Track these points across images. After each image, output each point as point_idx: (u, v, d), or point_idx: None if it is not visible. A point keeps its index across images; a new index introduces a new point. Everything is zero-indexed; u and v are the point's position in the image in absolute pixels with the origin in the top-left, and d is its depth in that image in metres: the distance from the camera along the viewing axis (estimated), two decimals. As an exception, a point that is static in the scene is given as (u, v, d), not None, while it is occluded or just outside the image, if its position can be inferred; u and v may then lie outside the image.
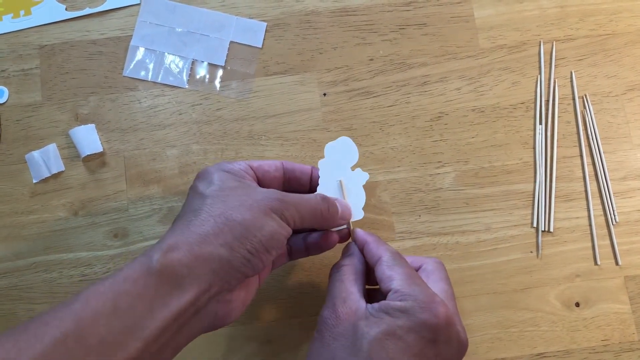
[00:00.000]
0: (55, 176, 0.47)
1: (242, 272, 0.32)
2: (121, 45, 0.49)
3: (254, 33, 0.49)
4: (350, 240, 0.39)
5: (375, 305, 0.33)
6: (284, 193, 0.35)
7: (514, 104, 0.48)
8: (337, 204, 0.37)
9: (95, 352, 0.27)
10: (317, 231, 0.40)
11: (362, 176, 0.40)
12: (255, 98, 0.48)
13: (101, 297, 0.28)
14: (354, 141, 0.40)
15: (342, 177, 0.40)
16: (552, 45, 0.49)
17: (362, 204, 0.40)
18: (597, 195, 0.47)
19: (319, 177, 0.39)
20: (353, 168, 0.40)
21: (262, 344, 0.45)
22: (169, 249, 0.30)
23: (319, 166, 0.40)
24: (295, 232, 0.39)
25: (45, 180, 0.47)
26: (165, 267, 0.30)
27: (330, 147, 0.40)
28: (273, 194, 0.34)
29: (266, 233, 0.32)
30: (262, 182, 0.38)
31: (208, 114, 0.48)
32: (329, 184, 0.39)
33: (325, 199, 0.37)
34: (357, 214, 0.39)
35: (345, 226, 0.39)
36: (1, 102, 0.48)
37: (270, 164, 0.39)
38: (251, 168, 0.37)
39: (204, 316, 0.31)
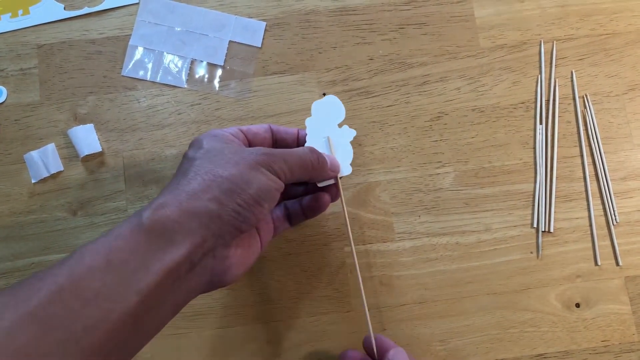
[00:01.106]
0: (54, 176, 0.47)
1: (234, 225, 0.32)
2: (120, 44, 0.49)
3: (253, 32, 0.49)
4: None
5: None
6: (271, 148, 0.35)
7: (514, 103, 0.48)
8: (326, 157, 0.38)
9: (93, 304, 0.27)
10: (311, 194, 0.41)
11: (349, 132, 0.41)
12: (254, 98, 0.48)
13: (94, 253, 0.29)
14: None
15: (330, 134, 0.40)
16: (553, 45, 0.49)
17: (350, 159, 0.40)
18: (598, 195, 0.47)
19: (305, 136, 0.40)
20: (340, 125, 0.41)
21: (262, 344, 0.45)
22: (159, 207, 0.30)
23: (306, 124, 0.40)
24: (291, 196, 0.41)
25: (44, 180, 0.47)
26: (155, 223, 0.30)
27: (317, 105, 0.41)
28: (260, 150, 0.34)
29: (255, 186, 0.32)
30: (252, 144, 0.39)
31: (207, 114, 0.48)
32: (317, 141, 0.40)
33: (313, 150, 0.37)
34: (345, 170, 0.40)
35: (333, 181, 0.40)
36: (0, 101, 0.48)
37: (259, 126, 0.40)
38: (241, 131, 0.38)
39: (200, 272, 0.31)
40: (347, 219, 0.40)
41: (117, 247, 0.29)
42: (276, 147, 0.40)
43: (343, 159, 0.40)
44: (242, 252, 0.34)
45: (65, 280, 0.27)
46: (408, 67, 0.49)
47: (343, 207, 0.40)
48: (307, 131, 0.40)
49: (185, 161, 0.34)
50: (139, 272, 0.29)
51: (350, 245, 0.40)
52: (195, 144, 0.35)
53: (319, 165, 0.37)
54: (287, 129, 0.41)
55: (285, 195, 0.42)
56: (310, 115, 0.41)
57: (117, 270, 0.28)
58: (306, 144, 0.40)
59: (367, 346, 0.39)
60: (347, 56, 0.49)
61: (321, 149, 0.40)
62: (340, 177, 0.40)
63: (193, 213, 0.31)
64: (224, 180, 0.32)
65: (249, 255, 0.35)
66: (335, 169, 0.39)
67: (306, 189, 0.42)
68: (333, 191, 0.41)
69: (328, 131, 0.40)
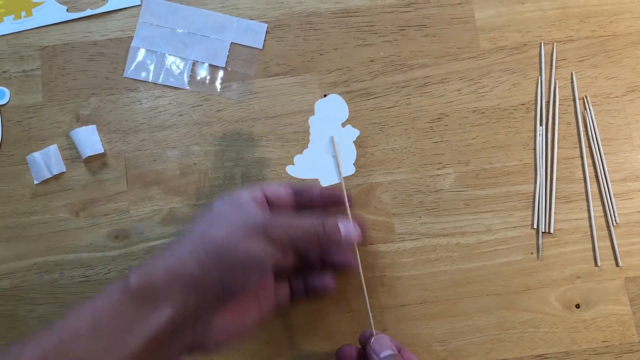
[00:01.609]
0: (56, 177, 0.47)
1: (216, 292, 0.31)
2: (122, 46, 0.49)
3: (254, 34, 0.49)
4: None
5: None
6: (276, 214, 0.34)
7: (514, 105, 0.48)
8: (340, 224, 0.35)
9: None
10: (321, 273, 0.40)
11: (353, 132, 0.41)
12: (255, 99, 0.48)
13: (81, 317, 0.29)
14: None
15: (333, 134, 0.40)
16: (553, 47, 0.49)
17: (354, 159, 0.40)
18: (598, 196, 0.47)
19: (330, 192, 0.40)
20: (343, 125, 0.41)
21: (261, 344, 0.45)
22: (147, 270, 0.31)
23: (310, 123, 0.41)
24: (301, 268, 0.40)
25: (47, 181, 0.47)
26: (141, 287, 0.30)
27: (320, 104, 0.41)
28: (262, 214, 0.33)
29: (243, 252, 0.31)
30: (274, 205, 0.37)
31: (209, 115, 0.48)
32: (320, 140, 0.40)
33: (321, 220, 0.34)
34: (348, 170, 0.40)
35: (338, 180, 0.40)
36: (2, 103, 0.48)
37: (280, 184, 0.39)
38: (263, 192, 0.37)
39: (184, 337, 0.31)
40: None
41: (103, 310, 0.29)
42: (299, 206, 0.39)
43: (346, 159, 0.40)
44: (233, 318, 0.33)
45: (49, 346, 0.28)
46: (409, 69, 0.49)
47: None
48: (311, 131, 0.40)
49: (191, 220, 0.35)
50: (124, 338, 0.29)
51: (355, 254, 0.40)
52: (212, 202, 0.36)
53: (327, 235, 0.34)
54: (311, 185, 0.40)
55: (300, 264, 0.41)
56: (314, 114, 0.41)
57: (102, 335, 0.29)
58: (309, 144, 0.40)
59: (362, 341, 0.40)
60: (348, 58, 0.49)
61: (324, 148, 0.40)
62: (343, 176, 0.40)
63: (178, 276, 0.30)
64: (212, 244, 0.31)
65: (241, 322, 0.34)
66: (350, 238, 0.36)
67: (321, 261, 0.41)
68: (348, 254, 0.39)
69: (331, 130, 0.40)
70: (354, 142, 0.40)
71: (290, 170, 0.41)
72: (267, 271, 0.32)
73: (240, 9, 0.50)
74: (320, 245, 0.34)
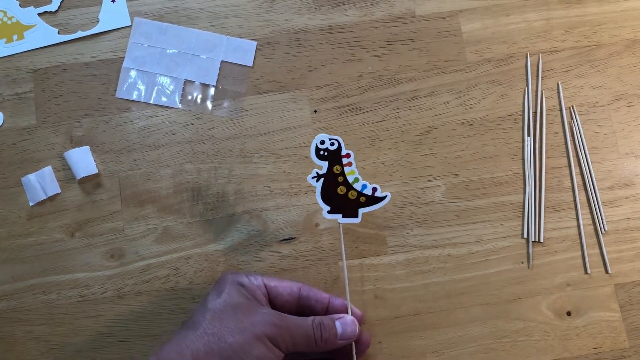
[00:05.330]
0: (51, 198, 0.48)
1: None
2: (113, 67, 0.50)
3: (244, 52, 0.50)
4: None
5: None
6: (282, 317, 0.37)
7: (502, 116, 0.49)
8: (338, 326, 0.39)
9: None
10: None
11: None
12: (247, 116, 0.49)
13: None
14: None
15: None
16: (539, 58, 0.50)
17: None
18: (586, 204, 0.48)
19: (337, 306, 0.41)
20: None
21: None
22: None
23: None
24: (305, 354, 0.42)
25: (42, 202, 0.47)
26: None
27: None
28: (270, 317, 0.37)
29: (253, 357, 0.35)
30: (273, 302, 0.40)
31: (201, 134, 0.49)
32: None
33: (319, 325, 0.38)
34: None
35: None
36: (-4, 126, 0.49)
37: (286, 286, 0.41)
38: (266, 286, 0.40)
39: None
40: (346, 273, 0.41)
41: None
42: (302, 311, 0.41)
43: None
44: None
45: None
46: (397, 83, 0.50)
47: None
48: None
49: (200, 308, 0.37)
50: None
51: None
52: (218, 288, 0.38)
53: (323, 341, 0.38)
54: (318, 295, 0.42)
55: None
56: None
57: None
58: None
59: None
60: (337, 73, 0.50)
61: None
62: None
63: None
64: (227, 347, 0.35)
65: None
66: (348, 337, 0.40)
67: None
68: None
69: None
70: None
71: None
72: None
73: (230, 28, 0.50)
74: (319, 350, 0.38)
